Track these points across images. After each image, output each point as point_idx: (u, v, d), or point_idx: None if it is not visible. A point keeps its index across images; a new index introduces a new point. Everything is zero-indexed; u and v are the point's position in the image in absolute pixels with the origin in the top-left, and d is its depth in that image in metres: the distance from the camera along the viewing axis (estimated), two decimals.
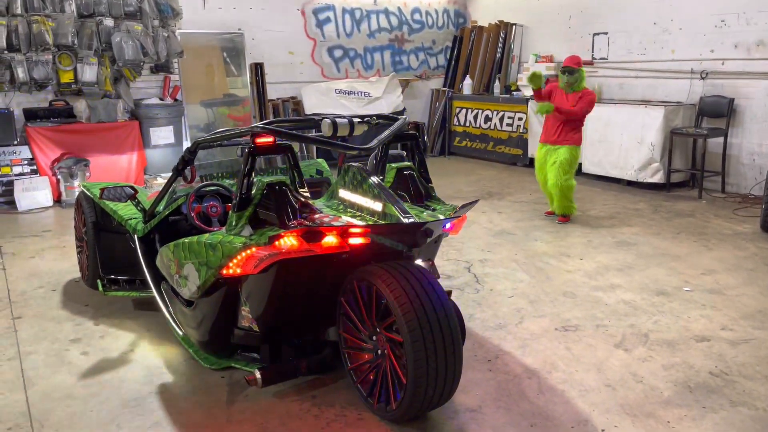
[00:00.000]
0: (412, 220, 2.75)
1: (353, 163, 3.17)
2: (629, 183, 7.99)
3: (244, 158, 3.01)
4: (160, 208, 4.08)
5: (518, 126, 9.56)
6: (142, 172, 8.46)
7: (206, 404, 3.11)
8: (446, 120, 10.67)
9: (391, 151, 3.44)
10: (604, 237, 5.82)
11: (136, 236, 4.13)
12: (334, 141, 3.09)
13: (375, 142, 3.15)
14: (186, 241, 3.20)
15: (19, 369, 3.50)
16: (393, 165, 3.39)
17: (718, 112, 7.44)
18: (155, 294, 3.90)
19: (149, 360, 3.57)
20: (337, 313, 3.12)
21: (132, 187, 3.97)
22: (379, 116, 3.39)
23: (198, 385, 3.30)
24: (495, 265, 5.09)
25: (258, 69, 9.25)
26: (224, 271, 2.97)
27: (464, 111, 10.45)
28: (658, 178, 7.60)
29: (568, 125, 6.19)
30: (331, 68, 10.12)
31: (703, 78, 7.69)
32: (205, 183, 4.04)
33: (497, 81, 10.21)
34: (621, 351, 3.56)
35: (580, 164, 8.45)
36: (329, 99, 9.44)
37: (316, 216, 3.02)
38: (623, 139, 7.86)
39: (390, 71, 10.57)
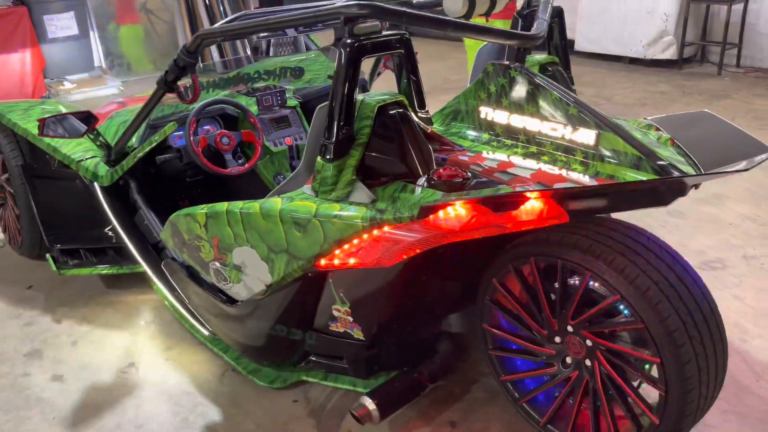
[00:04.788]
0: (667, 163, 1.59)
1: (503, 62, 1.93)
2: (632, 61, 7.06)
3: (339, 63, 1.70)
4: (134, 141, 2.68)
5: None
6: (41, 75, 6.57)
7: None
8: None
9: None
10: None
11: (97, 185, 2.73)
12: (476, 25, 1.83)
13: (538, 25, 1.92)
14: (236, 209, 1.90)
15: None
16: (534, 59, 2.16)
17: None
18: (151, 274, 2.60)
19: (166, 380, 2.35)
20: (479, 299, 2.03)
21: (88, 114, 2.53)
22: None
23: (262, 420, 2.15)
24: None
25: None
26: (323, 262, 1.76)
27: None
28: (670, 53, 6.70)
29: None
30: None
31: None
32: (208, 101, 2.64)
33: None
34: None
35: (573, 41, 7.43)
36: None
37: (464, 158, 1.82)
38: (628, 10, 6.81)
39: None
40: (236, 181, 2.96)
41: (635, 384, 1.81)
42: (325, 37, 3.42)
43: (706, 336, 1.64)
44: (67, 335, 2.64)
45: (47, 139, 2.83)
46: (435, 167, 1.75)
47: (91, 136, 2.61)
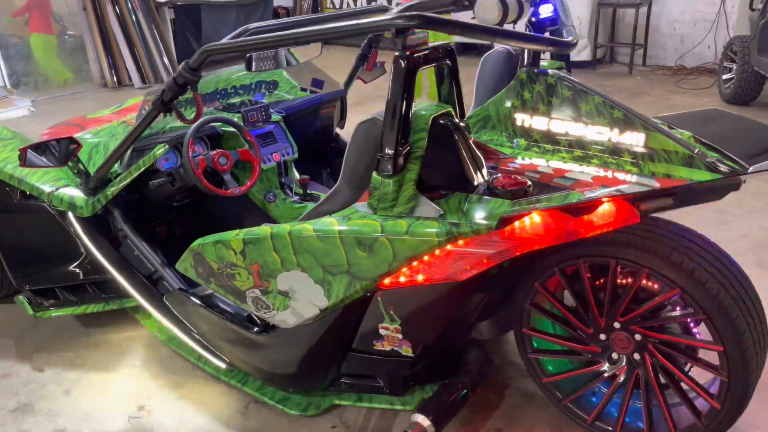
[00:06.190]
0: (720, 162, 1.67)
1: (535, 69, 1.97)
2: None
3: (395, 76, 1.66)
4: (118, 168, 2.48)
5: None
6: None
7: None
8: (318, 2, 9.08)
9: None
10: None
11: (73, 216, 2.51)
12: (521, 33, 1.85)
13: (568, 31, 1.97)
14: (283, 233, 1.80)
15: None
16: (543, 64, 2.21)
17: None
18: (149, 308, 2.41)
19: (187, 421, 2.18)
20: (518, 304, 2.04)
21: (69, 141, 2.30)
22: None
23: None
24: None
25: None
26: (387, 281, 1.71)
27: None
28: (585, 55, 7.10)
29: None
30: None
31: None
32: (204, 119, 2.48)
33: None
34: None
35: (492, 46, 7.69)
36: None
37: (514, 165, 1.83)
38: None
39: None
40: (223, 202, 2.81)
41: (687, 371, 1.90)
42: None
43: (757, 321, 1.74)
44: (55, 384, 2.39)
45: (8, 169, 2.57)
46: (490, 176, 1.75)
47: (71, 164, 2.38)
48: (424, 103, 1.78)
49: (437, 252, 1.62)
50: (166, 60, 7.28)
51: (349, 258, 1.70)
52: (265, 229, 1.84)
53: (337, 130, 3.39)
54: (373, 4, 8.67)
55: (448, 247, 1.61)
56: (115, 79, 7.09)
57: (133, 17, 7.11)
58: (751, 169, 1.64)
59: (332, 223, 1.73)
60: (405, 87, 1.65)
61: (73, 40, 7.15)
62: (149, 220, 2.76)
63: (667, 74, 6.84)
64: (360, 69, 3.08)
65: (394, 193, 1.69)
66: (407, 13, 1.64)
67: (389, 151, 1.67)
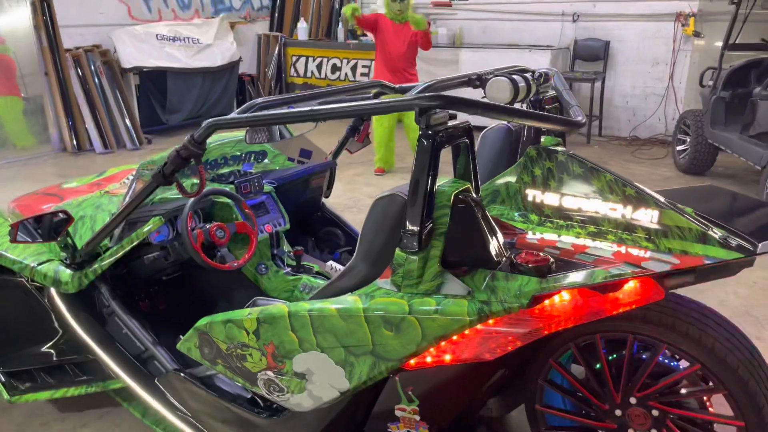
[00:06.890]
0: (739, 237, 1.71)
1: (543, 146, 2.01)
2: None
3: (420, 154, 1.66)
4: (108, 242, 2.38)
5: None
6: None
7: None
8: (282, 70, 9.20)
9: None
10: None
11: (55, 293, 2.38)
12: (537, 113, 1.90)
13: (574, 111, 2.04)
14: (302, 311, 1.73)
15: None
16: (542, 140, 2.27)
17: (593, 56, 7.40)
18: (139, 391, 2.26)
19: None
20: (531, 381, 2.01)
21: (60, 214, 2.19)
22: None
23: None
24: None
25: (45, 6, 6.74)
26: (413, 361, 1.66)
27: (303, 59, 9.09)
28: None
29: (409, 62, 5.74)
30: (140, 7, 7.87)
31: (575, 21, 7.56)
32: (207, 190, 2.42)
33: (340, 24, 9.02)
34: None
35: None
36: (150, 47, 7.36)
37: (532, 240, 1.84)
38: None
39: (209, 11, 8.66)
40: (212, 275, 2.73)
41: None
42: None
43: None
44: None
45: None
46: (510, 252, 1.75)
47: (61, 238, 2.27)
48: (444, 179, 1.79)
49: (467, 331, 1.59)
50: (129, 124, 7.18)
51: (374, 338, 1.65)
52: (281, 308, 1.77)
53: (323, 199, 3.37)
54: (350, 78, 8.86)
55: (478, 326, 1.59)
56: (75, 143, 6.92)
57: (97, 81, 7.03)
58: (760, 247, 1.68)
59: (355, 302, 1.69)
60: (429, 164, 1.66)
61: (28, 102, 6.98)
62: (133, 294, 2.64)
63: (623, 144, 7.16)
64: (350, 140, 3.10)
65: (419, 270, 1.66)
66: (429, 94, 1.67)
67: (413, 228, 1.65)
